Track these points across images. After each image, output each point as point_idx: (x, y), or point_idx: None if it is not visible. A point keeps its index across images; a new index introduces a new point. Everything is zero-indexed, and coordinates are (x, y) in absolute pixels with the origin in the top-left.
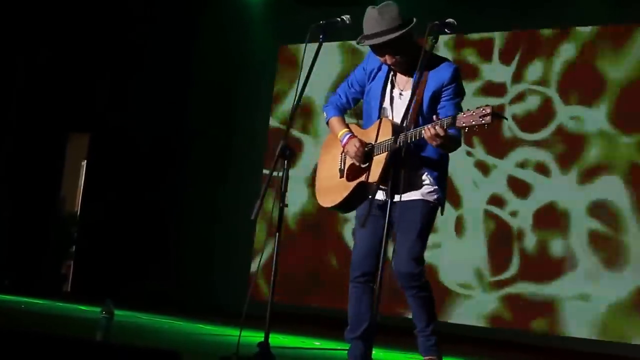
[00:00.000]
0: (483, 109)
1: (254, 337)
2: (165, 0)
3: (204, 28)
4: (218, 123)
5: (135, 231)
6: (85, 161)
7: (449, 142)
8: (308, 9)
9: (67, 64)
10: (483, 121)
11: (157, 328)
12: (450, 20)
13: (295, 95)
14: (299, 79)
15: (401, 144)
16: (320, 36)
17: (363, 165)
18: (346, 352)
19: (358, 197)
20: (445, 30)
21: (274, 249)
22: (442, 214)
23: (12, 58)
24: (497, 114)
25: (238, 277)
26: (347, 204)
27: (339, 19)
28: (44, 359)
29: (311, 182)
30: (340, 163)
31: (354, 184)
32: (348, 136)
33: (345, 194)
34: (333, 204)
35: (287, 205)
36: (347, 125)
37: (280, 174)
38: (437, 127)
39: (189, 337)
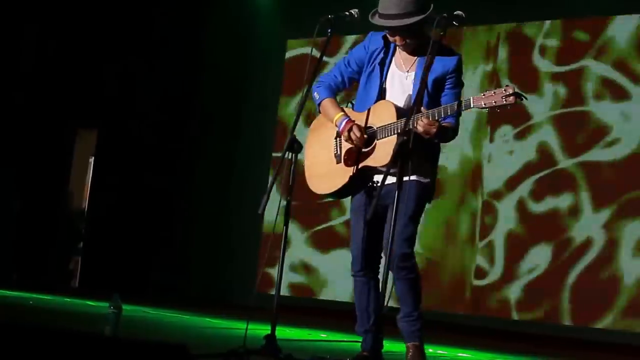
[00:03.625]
0: (505, 89)
1: (260, 329)
2: None
3: (212, 24)
4: (226, 117)
5: (143, 226)
6: (93, 157)
7: (445, 132)
8: (316, 2)
9: (75, 61)
10: (506, 101)
11: (165, 322)
12: (459, 12)
13: (303, 89)
14: (306, 73)
15: (411, 127)
16: (329, 30)
17: (365, 150)
18: (352, 344)
19: (358, 182)
20: (454, 22)
21: (281, 242)
22: (429, 201)
23: (20, 55)
24: (520, 93)
25: (245, 270)
26: (346, 190)
27: (347, 13)
28: (55, 354)
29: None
30: (336, 148)
31: (355, 168)
32: (346, 120)
33: (345, 179)
34: (330, 191)
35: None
36: (342, 109)
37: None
38: (428, 119)
39: (196, 331)
